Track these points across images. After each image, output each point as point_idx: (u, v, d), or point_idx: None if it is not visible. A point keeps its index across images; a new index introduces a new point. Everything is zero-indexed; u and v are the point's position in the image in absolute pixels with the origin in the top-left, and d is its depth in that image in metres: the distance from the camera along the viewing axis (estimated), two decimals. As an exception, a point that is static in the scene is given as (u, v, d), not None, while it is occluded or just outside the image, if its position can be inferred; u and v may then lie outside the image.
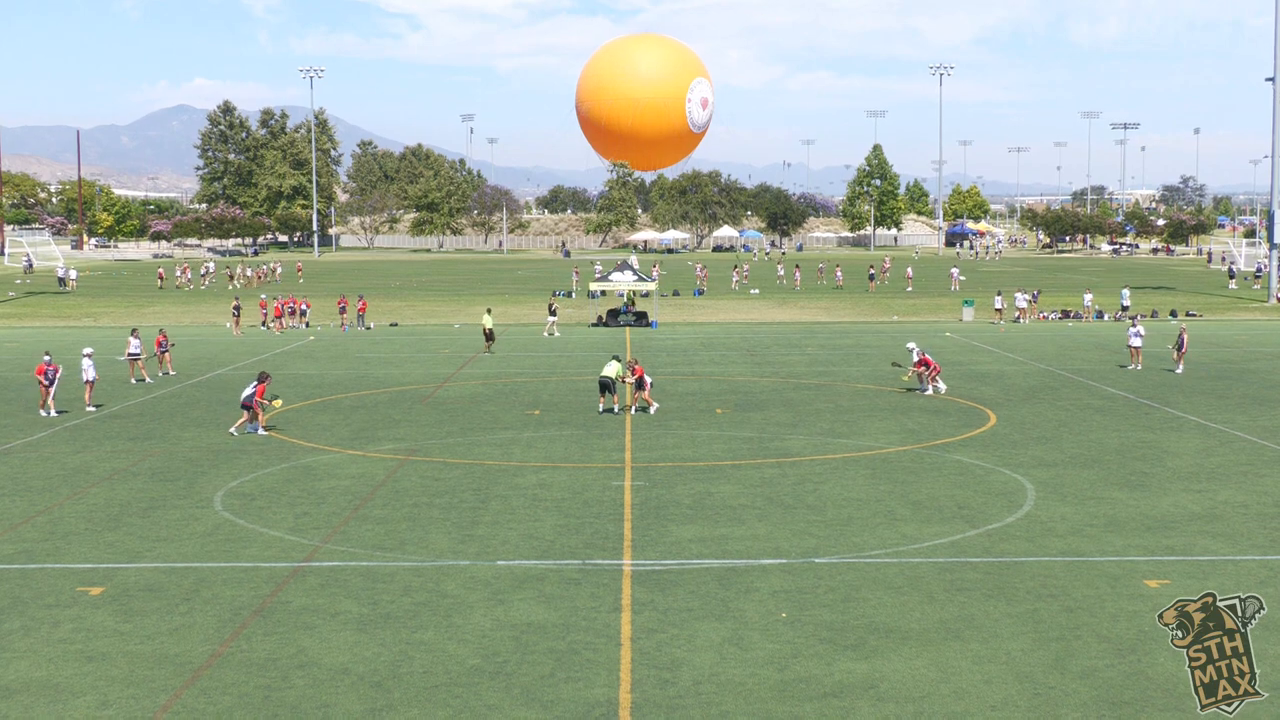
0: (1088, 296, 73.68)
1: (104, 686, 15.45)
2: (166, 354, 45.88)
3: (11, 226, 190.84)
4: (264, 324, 65.87)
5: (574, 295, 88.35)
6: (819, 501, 25.08)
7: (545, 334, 61.34)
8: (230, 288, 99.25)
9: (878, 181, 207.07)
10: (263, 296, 71.39)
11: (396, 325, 67.60)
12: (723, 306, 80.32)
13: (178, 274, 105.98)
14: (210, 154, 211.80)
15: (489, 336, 53.25)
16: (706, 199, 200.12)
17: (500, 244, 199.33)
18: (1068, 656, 16.26)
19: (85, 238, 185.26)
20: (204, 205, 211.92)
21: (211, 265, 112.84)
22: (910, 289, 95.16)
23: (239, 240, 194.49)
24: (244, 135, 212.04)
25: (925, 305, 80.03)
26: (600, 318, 68.66)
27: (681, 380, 44.28)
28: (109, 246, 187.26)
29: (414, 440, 32.35)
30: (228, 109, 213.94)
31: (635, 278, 69.18)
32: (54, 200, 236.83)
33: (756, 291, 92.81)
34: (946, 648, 16.58)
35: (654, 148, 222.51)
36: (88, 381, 38.08)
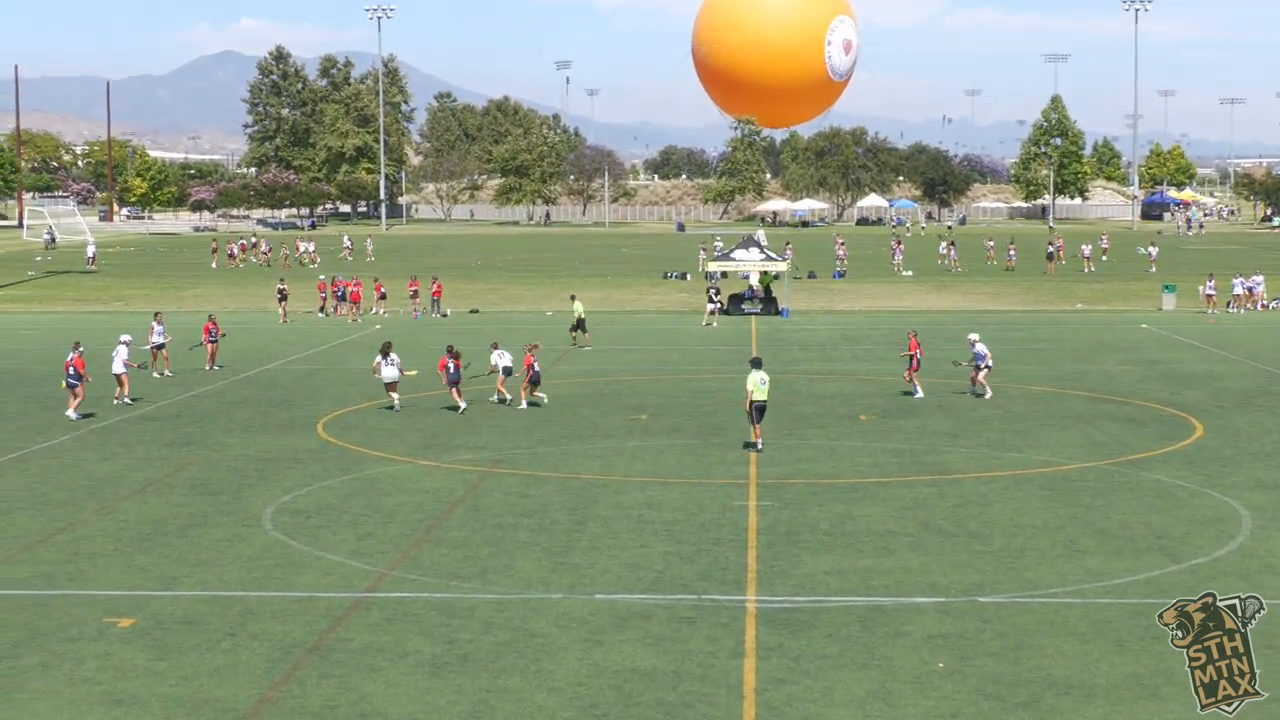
0: None
1: (134, 735, 15.72)
2: (215, 345, 46.47)
3: (32, 194, 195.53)
4: (321, 310, 66.73)
5: (689, 278, 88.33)
6: (984, 528, 24.85)
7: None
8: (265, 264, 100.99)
9: (1058, 140, 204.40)
10: (321, 278, 72.34)
11: (477, 312, 68.12)
12: (868, 291, 79.86)
13: (235, 249, 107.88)
14: (260, 109, 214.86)
15: (580, 326, 53.30)
16: (848, 162, 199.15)
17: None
18: (1291, 722, 15.93)
19: (115, 207, 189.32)
20: (253, 169, 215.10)
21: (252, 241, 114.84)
22: (1089, 269, 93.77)
23: (293, 211, 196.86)
24: (300, 87, 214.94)
25: (1115, 291, 78.90)
26: (721, 304, 68.53)
27: (818, 380, 44.10)
28: (143, 218, 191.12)
29: (498, 449, 32.57)
30: (281, 56, 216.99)
31: (763, 256, 69.00)
32: (80, 164, 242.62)
33: (910, 274, 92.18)
34: (1140, 708, 16.34)
35: (786, 100, 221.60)
36: (119, 374, 38.84)
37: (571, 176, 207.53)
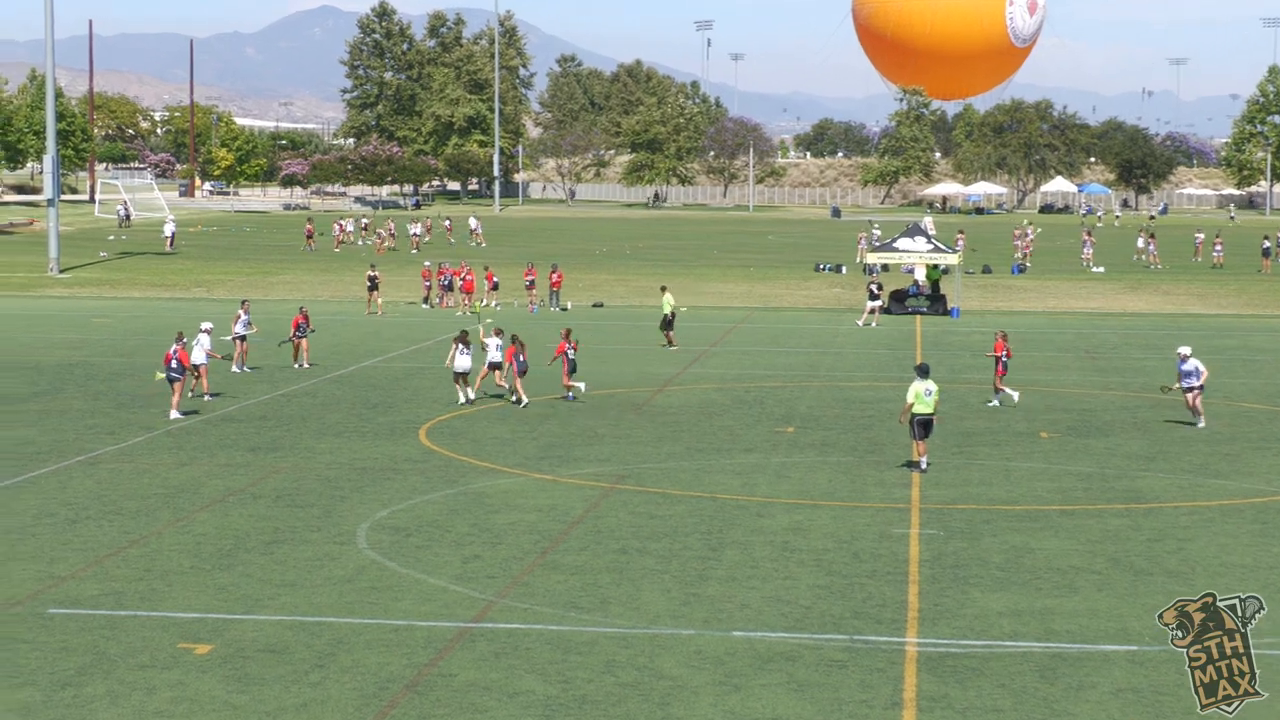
0: None
1: (210, 776, 15.95)
2: (304, 340, 46.85)
3: (105, 165, 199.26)
4: (425, 301, 67.42)
5: (845, 270, 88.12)
6: (1184, 566, 24.54)
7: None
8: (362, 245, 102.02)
9: (1276, 118, 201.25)
10: (426, 264, 73.01)
11: (601, 306, 68.41)
12: (1051, 289, 79.16)
13: (336, 230, 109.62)
14: (361, 72, 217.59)
15: (668, 324, 52.83)
16: (1031, 140, 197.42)
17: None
18: None
19: (197, 181, 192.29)
20: (351, 140, 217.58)
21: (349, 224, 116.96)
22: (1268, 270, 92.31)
23: (395, 188, 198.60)
24: (405, 47, 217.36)
25: (1344, 294, 77.55)
26: (882, 302, 68.28)
27: (992, 391, 43.75)
28: (227, 193, 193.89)
29: (623, 462, 32.67)
30: (384, 12, 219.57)
31: (930, 247, 68.69)
32: (159, 132, 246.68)
33: (1101, 270, 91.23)
34: (1367, 781, 16.00)
35: (960, 68, 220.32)
36: (199, 365, 39.49)
37: (711, 153, 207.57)
